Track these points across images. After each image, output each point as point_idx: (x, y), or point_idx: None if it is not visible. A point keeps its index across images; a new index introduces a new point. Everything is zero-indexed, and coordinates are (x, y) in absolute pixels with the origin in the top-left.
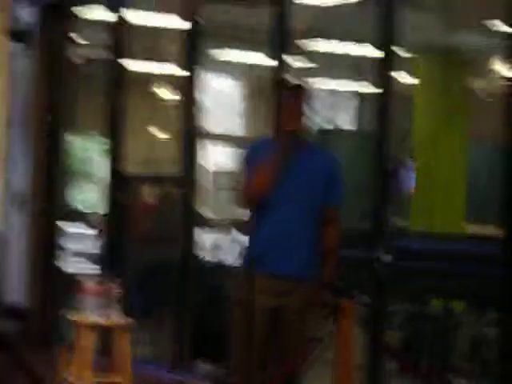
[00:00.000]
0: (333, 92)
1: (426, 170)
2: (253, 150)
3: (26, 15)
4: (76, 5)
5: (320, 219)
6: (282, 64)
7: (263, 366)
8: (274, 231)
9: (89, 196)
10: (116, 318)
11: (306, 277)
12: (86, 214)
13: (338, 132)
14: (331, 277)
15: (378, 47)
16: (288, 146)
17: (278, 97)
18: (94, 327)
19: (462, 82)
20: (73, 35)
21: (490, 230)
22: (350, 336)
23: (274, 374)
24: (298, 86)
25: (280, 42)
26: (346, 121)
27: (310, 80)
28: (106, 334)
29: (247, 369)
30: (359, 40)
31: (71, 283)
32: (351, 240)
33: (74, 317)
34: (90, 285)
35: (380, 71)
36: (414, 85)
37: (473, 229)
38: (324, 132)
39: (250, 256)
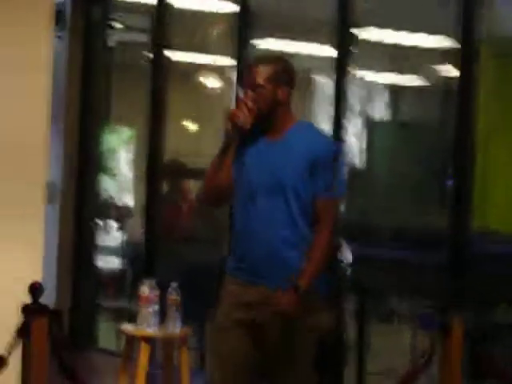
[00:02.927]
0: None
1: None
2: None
3: None
4: None
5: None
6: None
7: None
8: (247, 231)
9: (121, 190)
10: (174, 328)
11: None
12: (119, 207)
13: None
14: (304, 285)
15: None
16: (237, 135)
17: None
18: (151, 340)
19: None
20: (110, 19)
21: None
22: (458, 361)
23: None
24: (258, 62)
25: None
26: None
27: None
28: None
29: None
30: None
31: (105, 282)
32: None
33: (126, 327)
34: (145, 290)
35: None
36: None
37: None
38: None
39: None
